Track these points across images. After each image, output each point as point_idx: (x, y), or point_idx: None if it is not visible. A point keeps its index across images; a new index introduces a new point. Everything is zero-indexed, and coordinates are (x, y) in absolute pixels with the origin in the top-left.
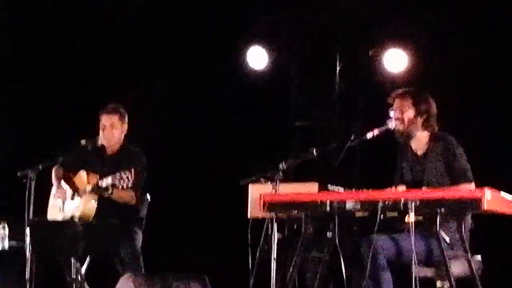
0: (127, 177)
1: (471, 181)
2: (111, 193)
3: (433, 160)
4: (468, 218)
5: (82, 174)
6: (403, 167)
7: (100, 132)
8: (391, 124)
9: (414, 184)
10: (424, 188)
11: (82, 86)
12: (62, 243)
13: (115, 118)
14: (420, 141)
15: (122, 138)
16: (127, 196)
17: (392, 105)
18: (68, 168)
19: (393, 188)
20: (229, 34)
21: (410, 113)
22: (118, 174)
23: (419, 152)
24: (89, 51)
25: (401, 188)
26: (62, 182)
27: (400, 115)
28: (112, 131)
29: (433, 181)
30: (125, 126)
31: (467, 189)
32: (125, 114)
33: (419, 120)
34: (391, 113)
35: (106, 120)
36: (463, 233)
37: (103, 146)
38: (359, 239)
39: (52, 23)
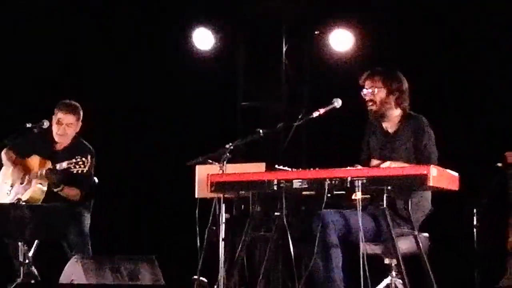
0: (83, 163)
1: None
2: (62, 189)
3: (402, 139)
4: (427, 201)
5: (35, 158)
6: (373, 144)
7: (54, 125)
8: (337, 103)
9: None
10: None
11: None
12: (8, 227)
13: (72, 118)
14: (392, 119)
15: (74, 134)
16: (75, 193)
17: (363, 86)
18: (19, 151)
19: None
20: (175, 15)
21: (382, 93)
22: (74, 159)
23: (390, 130)
24: (29, 34)
25: (375, 162)
26: (13, 165)
27: (372, 96)
28: (67, 129)
29: (402, 161)
30: (80, 124)
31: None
32: (81, 112)
33: (392, 99)
34: (365, 96)
35: (62, 117)
36: (410, 210)
37: (53, 139)
38: (308, 217)
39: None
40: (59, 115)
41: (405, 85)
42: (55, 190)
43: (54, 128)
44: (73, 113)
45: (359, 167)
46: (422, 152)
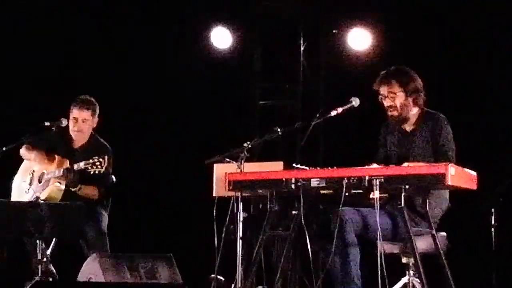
0: (100, 163)
1: (452, 162)
2: (79, 189)
3: (421, 137)
4: (445, 198)
5: (54, 157)
6: (391, 142)
7: (70, 121)
8: (355, 102)
9: (399, 160)
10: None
11: (41, 70)
12: (27, 225)
13: (87, 114)
14: (410, 118)
15: (91, 130)
16: (93, 193)
17: (377, 91)
18: (39, 149)
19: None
20: (193, 15)
21: (400, 97)
22: (91, 159)
23: (408, 128)
24: (43, 34)
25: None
26: (33, 162)
27: (392, 102)
28: (83, 125)
29: (419, 159)
30: (96, 119)
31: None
32: (97, 108)
33: (410, 100)
34: (384, 102)
35: (78, 114)
36: (427, 209)
37: (70, 137)
38: (326, 215)
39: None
40: (74, 111)
41: (420, 82)
42: (73, 189)
43: (71, 125)
44: (88, 109)
45: (375, 165)
46: (440, 149)
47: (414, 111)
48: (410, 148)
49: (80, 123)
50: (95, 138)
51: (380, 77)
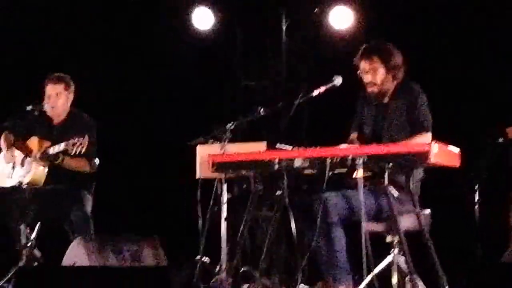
0: (80, 144)
1: (428, 131)
2: (62, 160)
3: (396, 109)
4: (419, 169)
5: (34, 140)
6: (368, 114)
7: (46, 100)
8: (338, 81)
9: (373, 134)
10: (384, 140)
11: (24, 53)
12: (10, 210)
13: (60, 87)
14: (388, 91)
15: (69, 105)
16: (80, 165)
17: (358, 65)
18: (18, 134)
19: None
20: None
21: (381, 73)
22: (71, 140)
23: (384, 101)
24: (30, 18)
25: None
26: (13, 148)
27: (372, 78)
28: (57, 100)
29: (393, 133)
30: (71, 94)
31: (420, 141)
32: (71, 82)
33: (390, 75)
34: (364, 77)
35: (51, 89)
36: (411, 187)
37: (50, 116)
38: (310, 197)
39: None
40: (47, 88)
41: (400, 57)
42: (56, 163)
43: (46, 102)
44: (60, 82)
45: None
46: (416, 119)
47: (392, 85)
48: (386, 119)
49: (54, 97)
50: (74, 113)
51: (361, 52)
